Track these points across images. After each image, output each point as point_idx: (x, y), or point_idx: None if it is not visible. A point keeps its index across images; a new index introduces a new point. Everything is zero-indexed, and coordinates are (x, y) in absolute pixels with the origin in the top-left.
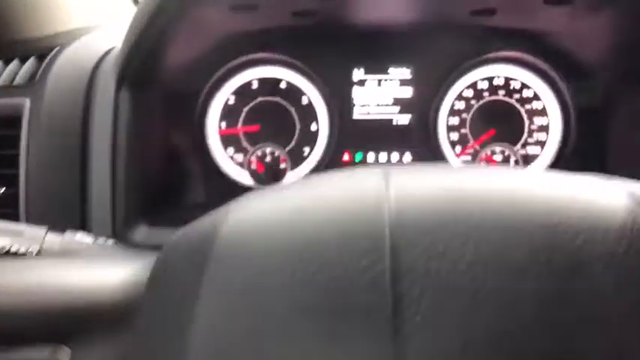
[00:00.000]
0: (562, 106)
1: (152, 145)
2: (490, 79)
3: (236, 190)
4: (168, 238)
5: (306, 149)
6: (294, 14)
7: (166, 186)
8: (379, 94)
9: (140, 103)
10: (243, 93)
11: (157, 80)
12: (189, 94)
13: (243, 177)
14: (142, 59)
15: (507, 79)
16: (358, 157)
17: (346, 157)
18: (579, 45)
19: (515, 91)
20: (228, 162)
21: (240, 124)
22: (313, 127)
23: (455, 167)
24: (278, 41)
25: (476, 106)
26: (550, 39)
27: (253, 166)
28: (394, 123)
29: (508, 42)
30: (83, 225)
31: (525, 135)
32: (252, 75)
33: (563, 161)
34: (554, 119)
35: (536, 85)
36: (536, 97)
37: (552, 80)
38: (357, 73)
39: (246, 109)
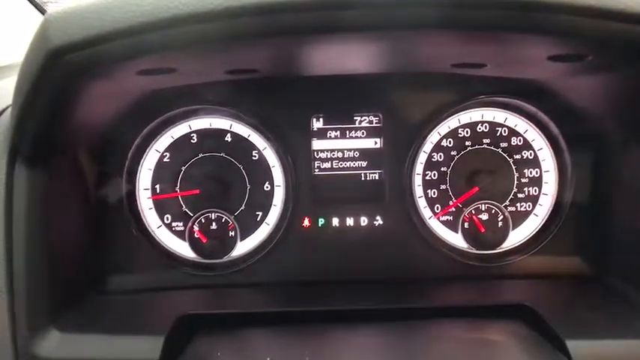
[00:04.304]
0: (556, 155)
1: (64, 227)
2: (472, 126)
3: (175, 265)
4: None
5: (259, 213)
6: (227, 72)
7: (86, 271)
8: (343, 146)
9: (42, 179)
10: (180, 149)
11: (66, 148)
12: (115, 154)
13: (184, 249)
14: (37, 129)
15: (492, 125)
16: (320, 222)
17: (306, 222)
18: (574, 95)
19: (502, 138)
20: (165, 232)
21: (178, 187)
22: (266, 186)
23: None
24: (219, 91)
25: (457, 158)
26: (538, 85)
27: (196, 237)
28: (362, 179)
29: (493, 87)
30: None
31: (515, 190)
32: (190, 127)
33: (558, 219)
34: (548, 171)
35: (527, 131)
36: (526, 146)
37: (544, 126)
38: (316, 123)
39: (184, 168)
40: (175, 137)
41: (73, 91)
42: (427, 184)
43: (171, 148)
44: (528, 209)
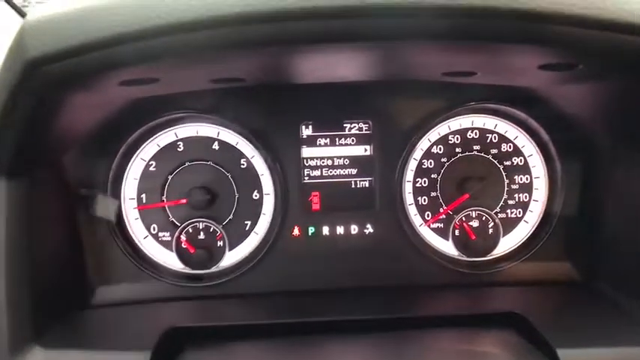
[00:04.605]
0: (547, 161)
1: (47, 240)
2: (463, 132)
3: (162, 277)
4: None
5: (248, 223)
6: (212, 81)
7: (71, 284)
8: (333, 154)
9: (23, 191)
10: (167, 157)
11: (48, 159)
12: (99, 164)
13: (171, 260)
14: (16, 141)
15: (483, 132)
16: (310, 231)
17: (296, 231)
18: (564, 102)
19: (492, 145)
20: (152, 243)
21: (164, 196)
22: (255, 194)
23: None
24: (205, 99)
25: (447, 164)
26: (528, 92)
27: (183, 247)
28: (352, 186)
29: (484, 94)
30: None
31: (505, 196)
32: (177, 135)
33: (548, 226)
34: (538, 177)
35: (517, 138)
36: (516, 152)
37: (535, 132)
38: (306, 130)
39: (171, 177)
40: (161, 145)
41: (52, 101)
42: (418, 192)
43: (158, 156)
44: (519, 216)
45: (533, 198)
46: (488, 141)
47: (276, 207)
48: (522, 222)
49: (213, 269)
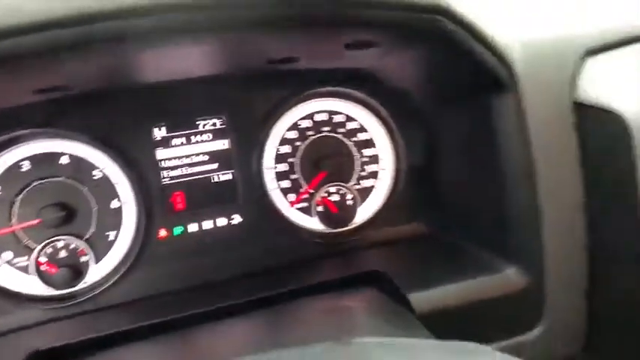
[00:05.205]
0: (389, 134)
1: None
2: (312, 116)
3: (25, 304)
4: None
5: (111, 234)
6: (37, 92)
7: None
8: (191, 152)
9: None
10: (10, 179)
11: None
12: None
13: (32, 285)
14: None
15: (330, 114)
16: (177, 231)
17: (163, 232)
18: (391, 76)
19: (339, 124)
20: (8, 271)
21: (14, 220)
22: (114, 204)
23: None
24: (39, 112)
25: (302, 148)
26: (362, 72)
27: (44, 269)
28: (214, 181)
29: (323, 78)
30: None
31: (358, 169)
32: (20, 154)
33: (397, 190)
34: (383, 148)
35: (360, 116)
36: (362, 129)
37: (374, 108)
38: (159, 132)
39: (19, 198)
40: (3, 168)
41: None
42: (279, 177)
43: (1, 179)
44: (372, 185)
45: (381, 167)
46: (335, 121)
47: (138, 213)
48: (375, 190)
49: (81, 286)
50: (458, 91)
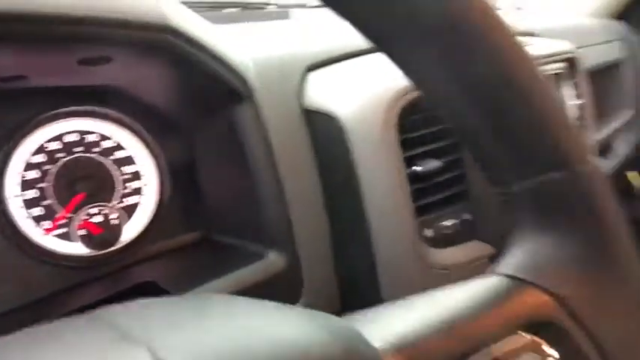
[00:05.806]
0: (149, 149)
1: None
2: (61, 137)
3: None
4: None
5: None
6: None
7: None
8: None
9: None
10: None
11: None
12: None
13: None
14: None
15: (82, 134)
16: None
17: None
18: (142, 91)
19: (93, 144)
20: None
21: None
22: None
23: None
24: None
25: (54, 171)
26: (110, 89)
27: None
28: None
29: (65, 97)
30: None
31: (120, 187)
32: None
33: (166, 202)
34: (144, 164)
35: (115, 133)
36: (119, 147)
37: (128, 125)
38: None
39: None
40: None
41: None
42: (28, 205)
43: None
44: (137, 201)
45: (143, 183)
46: (88, 141)
47: None
48: (140, 206)
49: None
50: (206, 103)
